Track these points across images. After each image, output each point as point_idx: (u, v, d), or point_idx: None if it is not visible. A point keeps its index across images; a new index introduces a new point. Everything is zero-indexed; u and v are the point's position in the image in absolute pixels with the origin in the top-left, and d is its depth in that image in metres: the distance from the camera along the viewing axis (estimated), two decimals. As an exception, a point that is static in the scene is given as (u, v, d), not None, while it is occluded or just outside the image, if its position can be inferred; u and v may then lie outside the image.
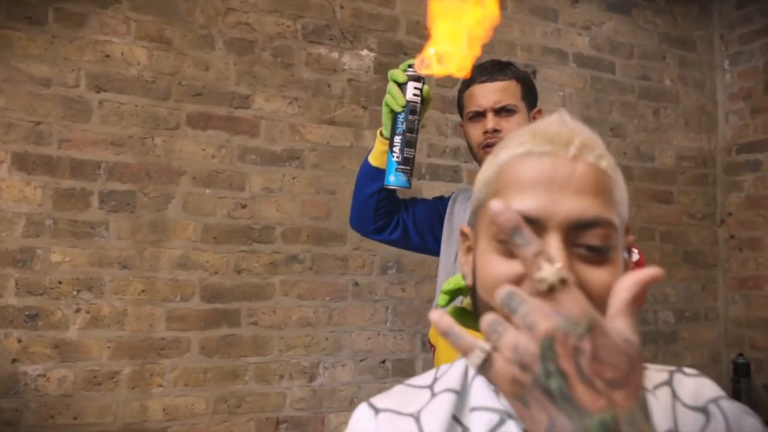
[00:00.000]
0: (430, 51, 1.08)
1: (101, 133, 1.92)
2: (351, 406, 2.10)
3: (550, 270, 0.46)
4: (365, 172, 1.39)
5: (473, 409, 0.63)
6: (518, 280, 0.54)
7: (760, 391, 2.62)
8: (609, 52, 2.72)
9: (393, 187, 1.24)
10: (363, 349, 2.19)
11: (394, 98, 1.18)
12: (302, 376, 2.10)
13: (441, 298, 0.92)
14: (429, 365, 1.93)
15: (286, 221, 2.13)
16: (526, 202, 0.57)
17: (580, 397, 0.43)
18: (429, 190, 2.28)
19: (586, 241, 0.56)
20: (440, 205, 1.52)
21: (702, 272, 2.84)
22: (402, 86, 1.20)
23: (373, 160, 1.36)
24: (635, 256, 1.16)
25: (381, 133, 1.31)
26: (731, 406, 0.62)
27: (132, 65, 1.97)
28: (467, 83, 1.49)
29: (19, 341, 1.78)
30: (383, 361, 2.22)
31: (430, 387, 0.68)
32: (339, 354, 2.16)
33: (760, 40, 2.76)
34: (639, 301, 0.48)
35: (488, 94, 1.43)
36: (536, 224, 0.56)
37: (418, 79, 1.19)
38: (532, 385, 0.44)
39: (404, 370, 2.23)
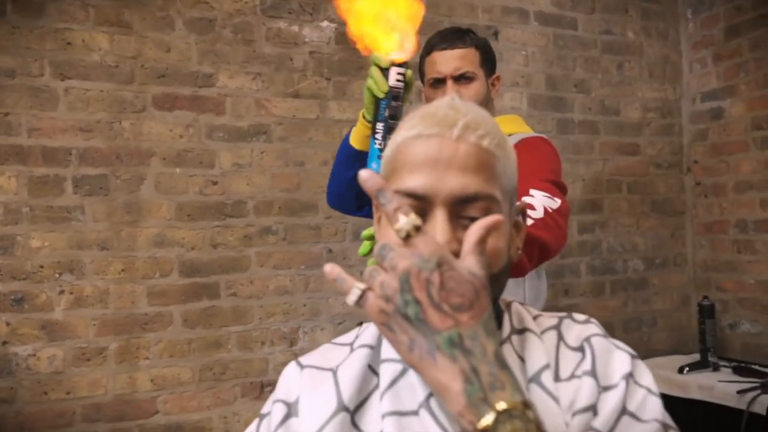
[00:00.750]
0: (395, 36, 1.04)
1: (69, 120, 1.97)
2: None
3: (405, 220, 0.55)
4: (346, 155, 1.35)
5: (383, 361, 0.72)
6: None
7: (726, 330, 2.74)
8: (570, 8, 2.74)
9: None
10: (340, 313, 2.29)
11: (377, 83, 1.11)
12: (283, 342, 2.21)
13: (363, 246, 1.04)
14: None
15: (257, 195, 2.20)
16: (415, 181, 0.65)
17: (431, 319, 0.53)
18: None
19: (469, 213, 0.65)
20: None
21: (670, 220, 2.93)
22: (384, 71, 1.12)
23: (355, 142, 1.31)
24: (530, 220, 1.19)
25: (363, 116, 1.24)
26: (601, 342, 0.70)
27: (94, 51, 2.01)
28: (428, 49, 1.55)
29: (8, 324, 1.88)
30: (360, 323, 2.31)
31: (351, 344, 0.79)
32: (317, 319, 2.26)
33: (721, -13, 2.79)
34: (484, 243, 0.57)
35: (448, 61, 1.50)
36: (425, 200, 0.65)
37: (402, 63, 1.11)
38: (394, 313, 0.54)
39: (382, 330, 2.33)
